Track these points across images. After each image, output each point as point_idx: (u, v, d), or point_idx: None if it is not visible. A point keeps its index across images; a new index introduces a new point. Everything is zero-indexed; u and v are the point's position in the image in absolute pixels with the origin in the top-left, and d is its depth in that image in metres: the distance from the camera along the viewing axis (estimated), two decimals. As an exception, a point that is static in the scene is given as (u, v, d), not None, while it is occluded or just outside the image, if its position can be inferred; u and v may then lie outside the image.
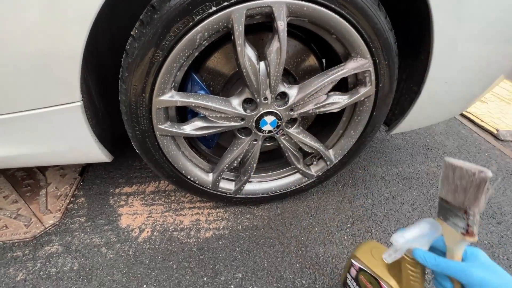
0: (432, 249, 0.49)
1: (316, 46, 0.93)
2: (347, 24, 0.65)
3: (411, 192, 1.24)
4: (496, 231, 1.10)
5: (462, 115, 1.92)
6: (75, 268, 0.85)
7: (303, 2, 0.60)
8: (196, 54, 0.69)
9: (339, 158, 0.99)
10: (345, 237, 1.02)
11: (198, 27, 0.60)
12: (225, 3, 0.57)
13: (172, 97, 0.71)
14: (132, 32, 0.61)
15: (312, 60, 0.90)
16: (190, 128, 0.79)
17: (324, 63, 1.07)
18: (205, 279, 0.85)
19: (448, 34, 0.72)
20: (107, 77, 0.84)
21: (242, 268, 0.89)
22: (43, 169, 1.17)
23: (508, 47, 0.84)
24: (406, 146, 1.55)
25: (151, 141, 0.78)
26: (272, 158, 1.11)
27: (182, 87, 0.84)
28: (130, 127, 0.75)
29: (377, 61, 0.73)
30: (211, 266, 0.89)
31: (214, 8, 0.57)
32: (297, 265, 0.91)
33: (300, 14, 0.62)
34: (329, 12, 0.62)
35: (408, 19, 0.79)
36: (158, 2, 0.57)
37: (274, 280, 0.87)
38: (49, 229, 0.95)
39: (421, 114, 0.98)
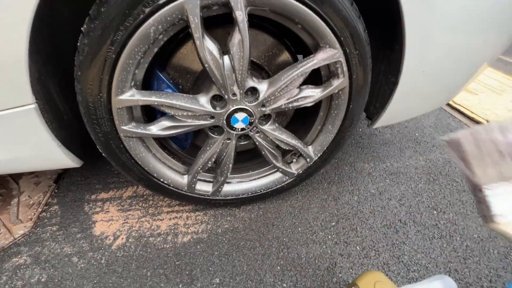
0: None
1: (290, 40, 0.90)
2: (310, 12, 0.62)
3: (399, 187, 1.21)
4: (487, 224, 1.07)
5: (452, 107, 1.89)
6: (43, 279, 0.81)
7: (261, -10, 0.57)
8: (156, 50, 0.65)
9: (319, 155, 0.95)
10: (329, 236, 0.98)
11: (150, 20, 0.56)
12: (176, -7, 0.54)
13: (133, 96, 0.67)
14: (82, 28, 0.58)
15: (285, 55, 0.87)
16: (157, 128, 0.76)
17: (302, 58, 1.03)
18: (180, 286, 0.82)
19: (419, 22, 0.69)
20: (72, 79, 0.81)
21: (220, 273, 0.85)
22: (16, 178, 1.13)
23: (487, 34, 0.81)
24: (395, 141, 1.52)
25: (116, 144, 0.75)
26: (252, 157, 1.07)
27: (149, 86, 0.81)
28: (92, 129, 0.71)
29: (347, 51, 0.70)
30: (187, 272, 0.85)
31: (164, -1, 0.54)
32: (278, 267, 0.88)
33: (259, 3, 0.59)
34: (290, 0, 0.59)
35: (378, 6, 0.76)
36: (104, -5, 0.54)
37: (253, 285, 0.83)
38: (19, 239, 0.91)
39: (402, 105, 0.95)
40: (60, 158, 0.80)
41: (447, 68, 0.86)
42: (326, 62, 0.71)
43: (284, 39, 0.88)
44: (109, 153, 0.77)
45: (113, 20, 0.55)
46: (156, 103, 0.70)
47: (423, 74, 0.84)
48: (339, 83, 0.76)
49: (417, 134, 1.58)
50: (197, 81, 0.86)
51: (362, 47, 0.71)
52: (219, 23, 0.76)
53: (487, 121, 1.70)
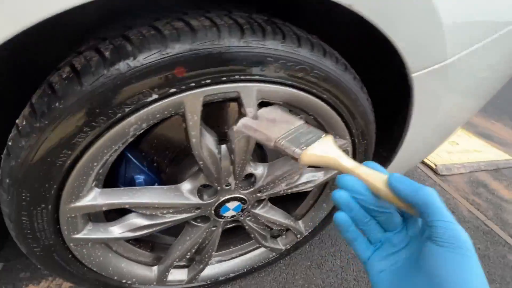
0: None
1: None
2: (328, 107, 0.54)
3: (376, 245, 1.21)
4: (453, 282, 1.13)
5: (405, 149, 2.07)
6: None
7: (279, 87, 0.46)
8: (131, 139, 0.49)
9: (310, 230, 0.87)
10: (318, 318, 0.90)
11: (132, 118, 0.40)
12: (173, 90, 0.40)
13: (94, 200, 0.49)
14: (17, 121, 0.39)
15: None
16: (123, 229, 0.57)
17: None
18: None
19: (426, 108, 0.67)
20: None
21: None
22: None
23: (471, 106, 0.85)
24: (364, 188, 1.55)
25: (62, 256, 0.54)
26: (232, 229, 0.93)
27: (115, 169, 0.61)
28: (23, 244, 0.49)
29: (356, 141, 0.64)
30: None
31: (155, 96, 0.39)
32: None
33: (273, 97, 0.49)
34: (309, 96, 0.50)
35: (384, 95, 0.73)
36: (61, 86, 0.36)
37: None
38: None
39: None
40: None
41: (434, 139, 0.88)
42: (333, 151, 0.64)
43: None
44: (50, 267, 0.55)
45: (73, 120, 0.37)
46: (127, 206, 0.52)
47: (414, 151, 0.85)
48: (342, 168, 0.70)
49: (382, 180, 1.65)
50: (177, 156, 0.69)
51: (370, 137, 0.66)
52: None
53: (435, 165, 1.89)
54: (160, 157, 0.67)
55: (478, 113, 3.13)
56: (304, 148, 0.34)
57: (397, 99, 0.69)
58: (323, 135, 0.36)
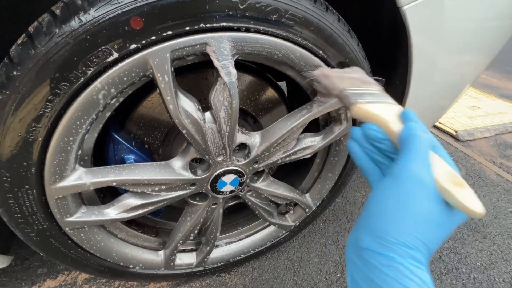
0: None
1: (271, 72, 0.76)
2: (313, 57, 0.49)
3: (395, 217, 1.14)
4: (484, 248, 1.05)
5: (421, 118, 1.95)
6: None
7: (254, 35, 0.43)
8: (108, 114, 0.47)
9: (319, 203, 0.83)
10: (337, 294, 0.86)
11: (97, 83, 0.38)
12: (133, 46, 0.37)
13: (80, 179, 0.48)
14: (-17, 99, 0.38)
15: (270, 92, 0.74)
16: (118, 210, 0.56)
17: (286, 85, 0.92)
18: None
19: (427, 55, 0.61)
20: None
21: None
22: None
23: (476, 57, 0.78)
24: (378, 161, 1.48)
25: (60, 240, 0.53)
26: (238, 208, 0.91)
27: (103, 151, 0.61)
28: (18, 230, 0.49)
29: (353, 95, 0.59)
30: None
31: (116, 55, 0.37)
32: None
33: (251, 50, 0.45)
34: (290, 44, 0.46)
35: (378, 41, 0.67)
36: (17, 52, 0.35)
37: None
38: None
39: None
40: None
41: (441, 96, 0.82)
42: (329, 109, 0.59)
43: (265, 74, 0.75)
44: (50, 253, 0.55)
45: (34, 87, 0.36)
46: (115, 183, 0.51)
47: (422, 107, 0.78)
48: (342, 129, 0.65)
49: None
50: (168, 135, 0.68)
51: (368, 90, 0.61)
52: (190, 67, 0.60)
53: (455, 131, 1.77)
54: (150, 138, 0.66)
55: (500, 75, 2.91)
56: (360, 102, 0.37)
57: (394, 47, 0.63)
58: (391, 102, 0.38)
